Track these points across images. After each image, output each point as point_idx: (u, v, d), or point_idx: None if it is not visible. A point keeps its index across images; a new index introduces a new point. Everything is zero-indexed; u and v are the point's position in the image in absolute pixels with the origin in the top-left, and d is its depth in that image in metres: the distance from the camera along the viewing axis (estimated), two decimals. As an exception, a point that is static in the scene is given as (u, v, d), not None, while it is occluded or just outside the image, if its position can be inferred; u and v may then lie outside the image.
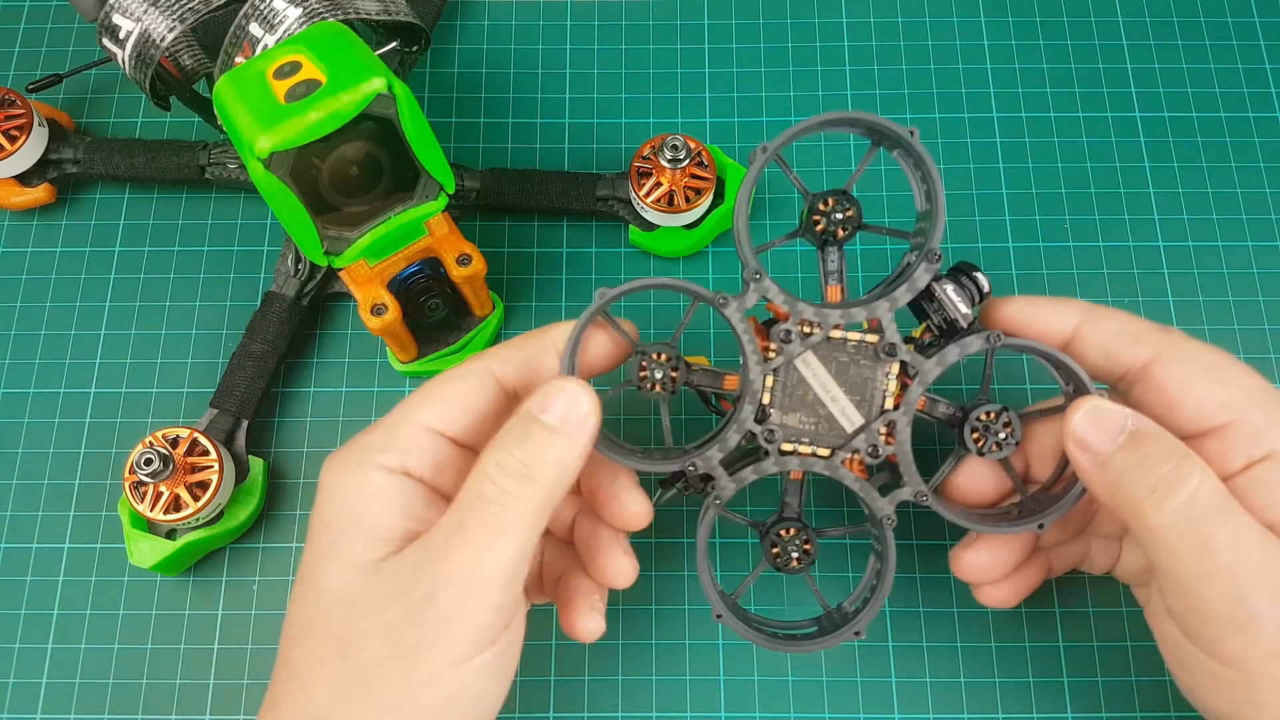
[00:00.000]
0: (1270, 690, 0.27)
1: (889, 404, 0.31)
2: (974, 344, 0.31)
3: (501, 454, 0.28)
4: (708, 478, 0.32)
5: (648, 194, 0.41)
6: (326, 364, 0.43)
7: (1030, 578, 0.35)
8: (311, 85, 0.30)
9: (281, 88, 0.31)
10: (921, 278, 0.31)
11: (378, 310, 0.37)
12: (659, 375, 0.31)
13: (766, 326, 0.32)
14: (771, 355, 0.31)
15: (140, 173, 0.44)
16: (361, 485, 0.29)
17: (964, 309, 0.31)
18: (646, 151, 0.42)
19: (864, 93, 0.47)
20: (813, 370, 0.31)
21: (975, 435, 0.32)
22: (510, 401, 0.31)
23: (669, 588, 0.40)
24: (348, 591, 0.28)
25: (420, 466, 0.30)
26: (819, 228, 0.31)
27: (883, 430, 0.31)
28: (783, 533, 0.32)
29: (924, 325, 0.33)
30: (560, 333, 0.31)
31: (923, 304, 0.32)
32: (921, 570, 0.40)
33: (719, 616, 0.32)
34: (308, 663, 0.28)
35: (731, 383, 0.32)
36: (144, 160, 0.44)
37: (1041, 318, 0.32)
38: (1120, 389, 0.32)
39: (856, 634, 0.32)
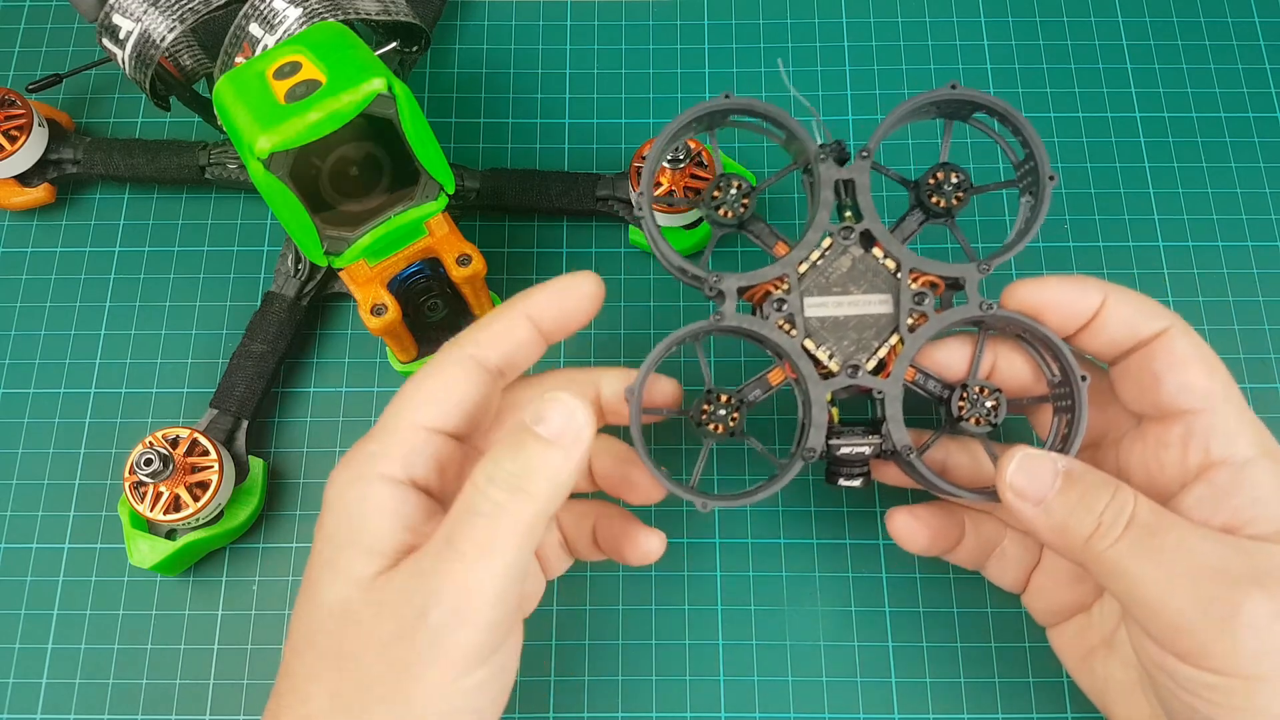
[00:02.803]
0: (1268, 691, 0.27)
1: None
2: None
3: (493, 466, 0.27)
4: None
5: (648, 194, 0.41)
6: (326, 364, 0.43)
7: (946, 532, 0.35)
8: (311, 85, 0.30)
9: (281, 88, 0.31)
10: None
11: (378, 310, 0.37)
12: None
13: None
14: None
15: (140, 173, 0.44)
16: (362, 497, 0.29)
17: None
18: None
19: (864, 93, 0.47)
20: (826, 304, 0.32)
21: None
22: (497, 381, 0.31)
23: (669, 588, 0.40)
24: (343, 606, 0.28)
25: (425, 471, 0.29)
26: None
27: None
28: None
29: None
30: (531, 304, 0.31)
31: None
32: (921, 570, 0.40)
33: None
34: (306, 676, 0.28)
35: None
36: (144, 160, 0.44)
37: (1067, 299, 0.31)
38: (1112, 360, 0.33)
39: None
